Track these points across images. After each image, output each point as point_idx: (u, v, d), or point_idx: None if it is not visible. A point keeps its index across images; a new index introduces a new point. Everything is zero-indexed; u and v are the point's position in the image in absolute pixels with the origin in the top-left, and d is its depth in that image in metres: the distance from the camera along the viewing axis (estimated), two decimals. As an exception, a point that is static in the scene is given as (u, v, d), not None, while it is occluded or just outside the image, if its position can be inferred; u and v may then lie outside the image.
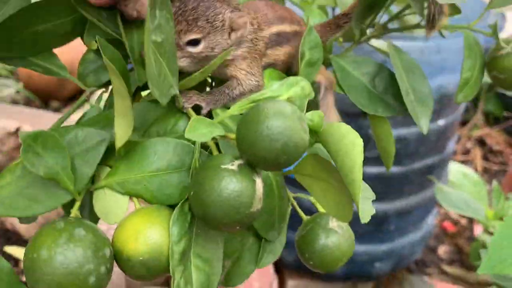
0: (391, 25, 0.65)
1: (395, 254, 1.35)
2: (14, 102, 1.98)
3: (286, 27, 0.55)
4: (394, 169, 1.19)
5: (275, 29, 0.53)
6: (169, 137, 0.46)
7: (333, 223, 0.53)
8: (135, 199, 0.45)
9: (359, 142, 0.41)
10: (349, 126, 0.43)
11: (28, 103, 2.00)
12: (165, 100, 0.43)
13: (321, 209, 0.54)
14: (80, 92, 2.03)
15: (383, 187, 1.22)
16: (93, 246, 0.39)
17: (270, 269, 1.26)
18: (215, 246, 0.46)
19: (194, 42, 0.47)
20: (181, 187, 0.45)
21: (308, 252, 0.53)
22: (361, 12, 0.60)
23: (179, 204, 0.43)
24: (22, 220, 0.49)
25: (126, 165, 0.45)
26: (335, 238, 0.52)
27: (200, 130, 0.42)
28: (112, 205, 0.45)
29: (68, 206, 0.45)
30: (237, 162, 0.40)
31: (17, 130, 1.30)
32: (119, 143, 0.42)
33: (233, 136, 0.43)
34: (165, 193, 0.44)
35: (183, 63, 0.47)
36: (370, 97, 0.61)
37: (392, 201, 1.26)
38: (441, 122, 1.20)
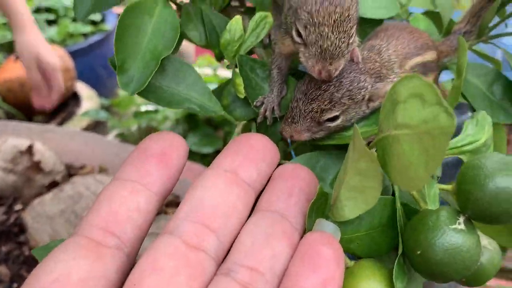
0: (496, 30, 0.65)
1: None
2: (-4, 116, 1.87)
3: (428, 56, 0.54)
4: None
5: (418, 59, 0.53)
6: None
7: (484, 241, 0.52)
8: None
9: None
10: None
11: (10, 118, 1.89)
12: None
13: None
14: (63, 104, 1.97)
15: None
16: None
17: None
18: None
19: (333, 118, 0.47)
20: (388, 239, 0.45)
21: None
22: (490, 13, 0.59)
23: (397, 259, 0.43)
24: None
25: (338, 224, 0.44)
26: (489, 255, 0.52)
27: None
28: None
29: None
30: (461, 220, 0.40)
31: (30, 148, 1.22)
32: (348, 215, 0.41)
33: (448, 188, 0.43)
34: (374, 248, 0.45)
35: (320, 135, 0.48)
36: (491, 105, 0.61)
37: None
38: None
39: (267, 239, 0.38)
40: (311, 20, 0.44)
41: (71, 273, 0.34)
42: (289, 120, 0.47)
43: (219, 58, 0.59)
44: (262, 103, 0.52)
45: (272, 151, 0.45)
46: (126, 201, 0.39)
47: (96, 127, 1.90)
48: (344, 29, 0.44)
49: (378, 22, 0.61)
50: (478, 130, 0.46)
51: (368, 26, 0.61)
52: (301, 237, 0.40)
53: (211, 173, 0.42)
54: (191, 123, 1.80)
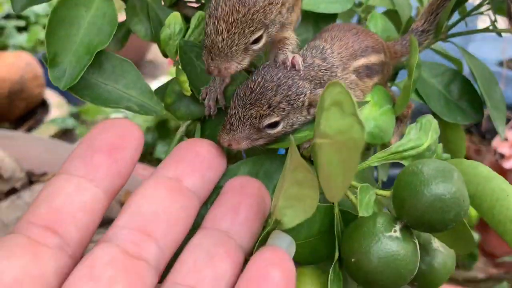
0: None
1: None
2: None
3: (373, 58, 0.52)
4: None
5: (362, 61, 0.51)
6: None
7: (436, 243, 0.51)
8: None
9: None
10: (489, 168, 0.43)
11: (-25, 124, 1.84)
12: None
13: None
14: (31, 111, 1.91)
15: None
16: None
17: None
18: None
19: (273, 124, 0.45)
20: (328, 246, 0.44)
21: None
22: (447, 11, 0.58)
23: (333, 266, 0.42)
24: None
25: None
26: (441, 258, 0.50)
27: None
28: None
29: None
30: (398, 227, 0.39)
31: (-11, 155, 1.18)
32: (287, 224, 0.39)
33: (386, 193, 0.42)
34: (315, 255, 0.44)
35: (260, 142, 0.46)
36: (448, 105, 0.60)
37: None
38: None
39: (210, 259, 0.36)
40: (214, 11, 0.43)
41: (4, 272, 0.31)
42: (228, 128, 0.45)
43: (165, 54, 0.56)
44: (206, 94, 0.49)
45: (218, 158, 0.43)
46: (71, 199, 0.36)
47: (64, 135, 1.86)
48: (243, 31, 0.43)
49: (332, 17, 0.60)
50: (421, 135, 0.45)
51: (322, 21, 0.59)
52: (249, 255, 0.38)
53: (152, 180, 0.39)
54: (161, 132, 1.76)
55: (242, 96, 0.44)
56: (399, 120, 0.57)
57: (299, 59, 0.46)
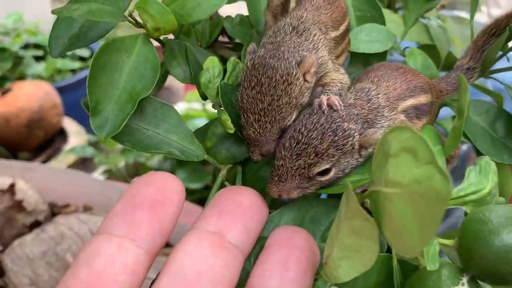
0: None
1: None
2: (-21, 153, 1.82)
3: (422, 99, 0.50)
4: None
5: (411, 102, 0.49)
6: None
7: None
8: None
9: None
10: None
11: (-5, 154, 1.84)
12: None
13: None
14: (50, 140, 1.92)
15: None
16: None
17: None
18: None
19: (324, 172, 0.43)
20: None
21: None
22: (496, 48, 0.56)
23: None
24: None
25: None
26: None
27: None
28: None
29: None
30: (465, 280, 0.37)
31: (11, 186, 1.17)
32: (343, 277, 0.36)
33: (449, 243, 0.39)
34: None
35: (311, 190, 0.45)
36: (494, 144, 0.58)
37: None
38: (464, 147, 1.19)
39: None
40: (241, 104, 0.45)
41: None
42: (276, 179, 0.43)
43: (204, 96, 0.55)
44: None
45: (260, 207, 0.41)
46: (112, 260, 0.34)
47: (83, 163, 1.86)
48: (273, 118, 0.44)
49: (382, 55, 0.59)
50: (481, 178, 0.42)
51: (372, 58, 0.58)
52: None
53: (194, 235, 0.37)
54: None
55: (288, 147, 0.43)
56: (447, 161, 0.55)
57: (335, 99, 0.44)
